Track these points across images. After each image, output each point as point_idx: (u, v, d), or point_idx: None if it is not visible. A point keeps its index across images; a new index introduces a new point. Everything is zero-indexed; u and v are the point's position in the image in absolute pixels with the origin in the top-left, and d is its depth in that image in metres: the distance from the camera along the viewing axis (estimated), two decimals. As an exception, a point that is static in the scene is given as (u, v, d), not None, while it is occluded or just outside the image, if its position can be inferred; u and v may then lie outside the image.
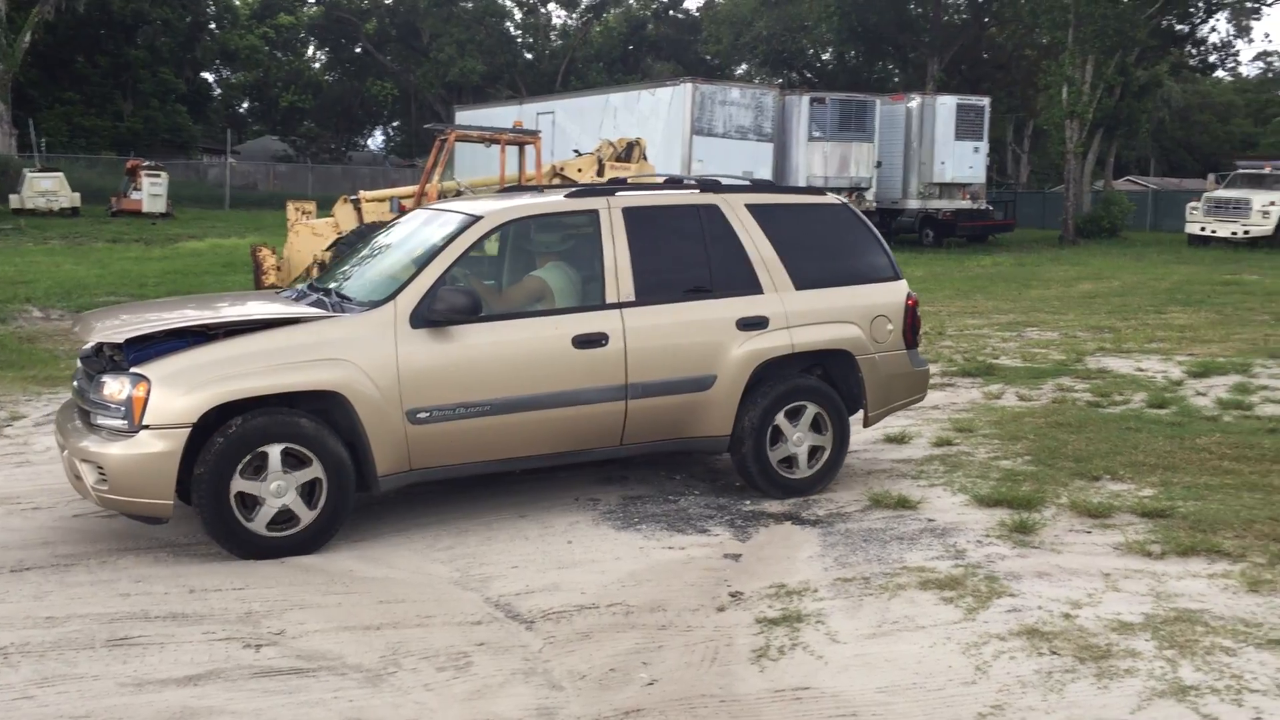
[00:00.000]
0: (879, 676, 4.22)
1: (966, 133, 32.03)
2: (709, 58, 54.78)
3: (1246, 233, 30.76)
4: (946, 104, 32.17)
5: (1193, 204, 33.41)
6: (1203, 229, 31.76)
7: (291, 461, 5.51)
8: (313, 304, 6.17)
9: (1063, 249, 32.75)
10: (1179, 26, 42.54)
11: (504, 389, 5.95)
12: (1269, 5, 45.48)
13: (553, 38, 58.73)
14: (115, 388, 5.39)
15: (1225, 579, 5.15)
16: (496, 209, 6.38)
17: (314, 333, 5.68)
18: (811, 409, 6.73)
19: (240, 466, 5.40)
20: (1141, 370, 10.85)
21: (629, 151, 15.99)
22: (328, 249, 14.16)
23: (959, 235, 33.45)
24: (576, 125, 29.47)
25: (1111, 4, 33.80)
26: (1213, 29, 49.94)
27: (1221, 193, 32.69)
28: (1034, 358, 11.84)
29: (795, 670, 4.29)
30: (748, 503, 6.60)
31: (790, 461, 6.73)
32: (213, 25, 52.66)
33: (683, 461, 7.50)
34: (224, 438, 5.36)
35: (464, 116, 34.49)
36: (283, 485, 5.50)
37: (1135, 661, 4.27)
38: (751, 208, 6.82)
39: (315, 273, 13.95)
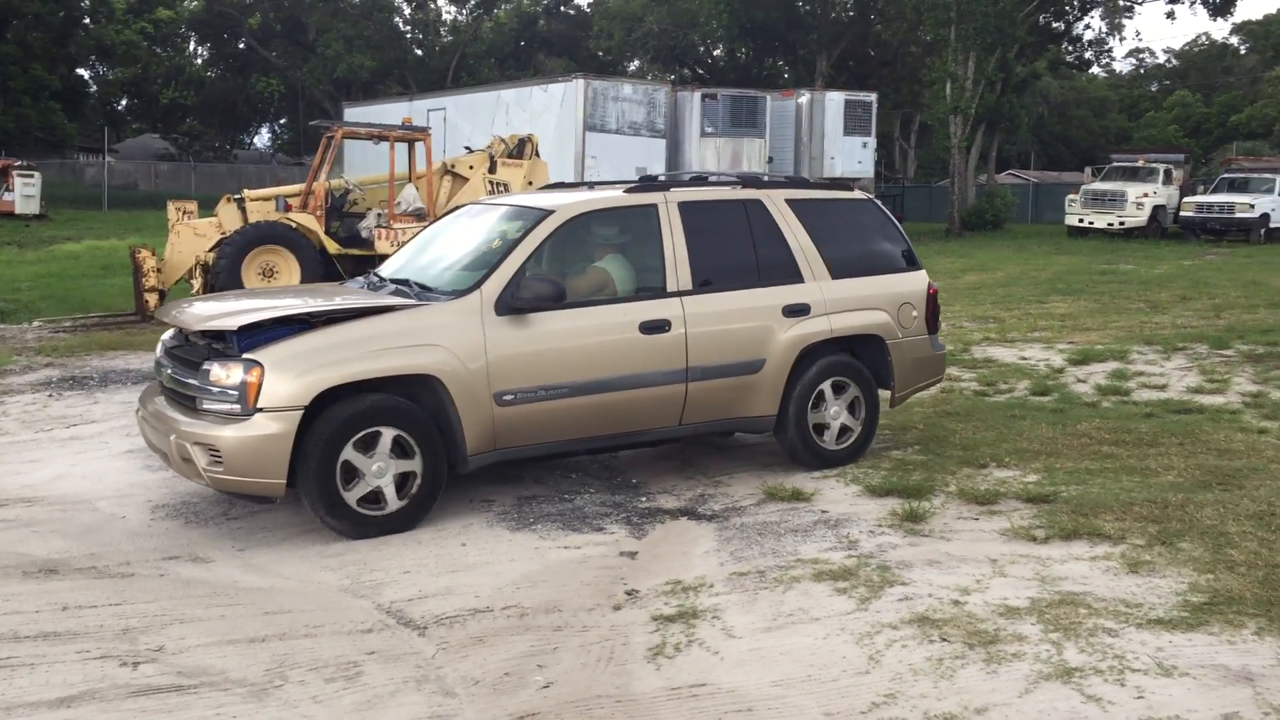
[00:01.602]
0: (774, 670, 4.22)
1: (855, 128, 32.55)
2: (601, 54, 54.78)
3: (1122, 223, 31.87)
4: (835, 100, 32.64)
5: (1071, 196, 34.49)
6: (1081, 220, 32.80)
7: (398, 450, 5.86)
8: (392, 294, 6.49)
9: (949, 241, 33.52)
10: (1055, 24, 43.87)
11: (579, 372, 6.35)
12: (1140, 4, 47.10)
13: (443, 33, 58.08)
14: (226, 373, 5.64)
15: (1106, 561, 5.29)
16: (566, 203, 6.74)
17: (408, 320, 6.06)
18: (851, 388, 7.27)
19: (355, 439, 5.72)
20: (1025, 359, 11.13)
21: (521, 148, 15.87)
22: (211, 249, 13.77)
23: (851, 229, 33.92)
24: (469, 122, 29.17)
25: (992, 2, 34.68)
26: (1087, 26, 51.58)
27: (1098, 185, 33.81)
28: (923, 348, 12.05)
29: (691, 667, 4.27)
30: (644, 500, 6.58)
31: (832, 436, 7.24)
32: (87, 20, 50.82)
33: (578, 460, 7.45)
34: (351, 409, 5.70)
35: (353, 113, 33.89)
36: (383, 468, 5.84)
37: (1022, 645, 4.35)
38: (791, 202, 7.32)
39: (199, 274, 13.57)
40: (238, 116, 59.96)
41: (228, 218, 14.25)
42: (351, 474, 5.78)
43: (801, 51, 47.99)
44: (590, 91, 27.62)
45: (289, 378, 5.60)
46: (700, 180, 7.60)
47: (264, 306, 6.15)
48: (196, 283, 13.14)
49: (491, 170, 15.42)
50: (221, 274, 13.54)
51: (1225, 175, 33.50)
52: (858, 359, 7.37)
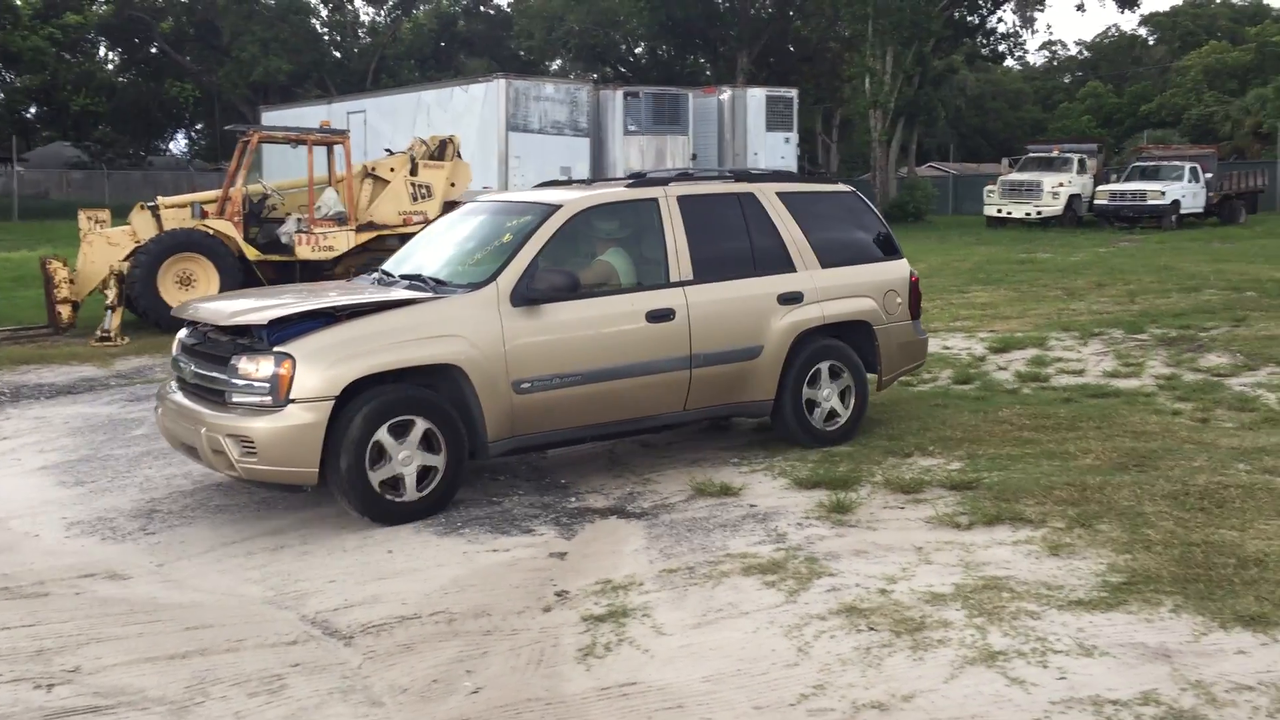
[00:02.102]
0: (705, 666, 4.23)
1: (777, 124, 32.80)
2: (523, 53, 54.52)
3: (1039, 213, 32.49)
4: (756, 96, 32.85)
5: (989, 187, 35.09)
6: (999, 211, 33.40)
7: (425, 444, 6.07)
8: (407, 288, 6.66)
9: (873, 234, 33.84)
10: (970, 18, 44.63)
11: (591, 360, 6.61)
12: (1050, -2, 48.12)
13: (361, 35, 57.38)
14: (257, 366, 5.82)
15: (1028, 545, 5.38)
16: (573, 198, 6.99)
17: (429, 312, 6.28)
18: (843, 373, 7.62)
19: (389, 424, 5.92)
20: (948, 348, 11.29)
21: (442, 149, 15.72)
22: (125, 258, 13.45)
23: (774, 224, 34.21)
24: (389, 124, 28.87)
25: (907, -3, 35.15)
26: (1000, 20, 52.48)
27: (1015, 176, 34.43)
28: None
29: (622, 666, 4.26)
30: (573, 500, 6.55)
31: (826, 417, 7.57)
32: (-9, 26, 49.34)
33: (506, 462, 7.40)
34: (374, 401, 5.90)
35: (271, 117, 33.38)
36: (409, 457, 6.04)
37: (947, 631, 4.40)
38: (781, 195, 7.65)
39: (114, 285, 13.24)
40: (152, 122, 58.60)
41: (142, 226, 13.92)
42: (379, 457, 5.96)
43: (722, 49, 48.25)
44: (512, 91, 27.48)
45: (320, 369, 5.81)
46: (685, 175, 7.85)
47: (287, 302, 6.32)
48: (111, 293, 12.81)
49: (413, 172, 15.27)
50: (137, 283, 13.23)
51: (1137, 164, 34.33)
52: (850, 344, 7.69)
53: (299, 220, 14.53)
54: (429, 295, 6.43)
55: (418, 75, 51.26)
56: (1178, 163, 33.12)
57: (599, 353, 6.64)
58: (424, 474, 6.11)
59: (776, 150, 33.14)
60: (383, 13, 57.45)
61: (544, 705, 3.98)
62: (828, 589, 4.92)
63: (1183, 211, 31.77)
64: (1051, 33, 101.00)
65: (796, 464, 7.05)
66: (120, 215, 14.90)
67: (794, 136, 33.79)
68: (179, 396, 6.41)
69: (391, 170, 15.36)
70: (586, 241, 7.13)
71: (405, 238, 15.31)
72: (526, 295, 6.43)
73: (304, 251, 14.38)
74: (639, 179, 7.52)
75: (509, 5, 56.89)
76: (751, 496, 6.45)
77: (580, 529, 6.02)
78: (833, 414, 7.58)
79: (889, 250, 8.08)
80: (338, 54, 55.83)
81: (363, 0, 57.02)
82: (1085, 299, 14.65)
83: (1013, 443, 7.32)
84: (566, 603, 4.94)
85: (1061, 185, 32.82)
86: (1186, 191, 32.00)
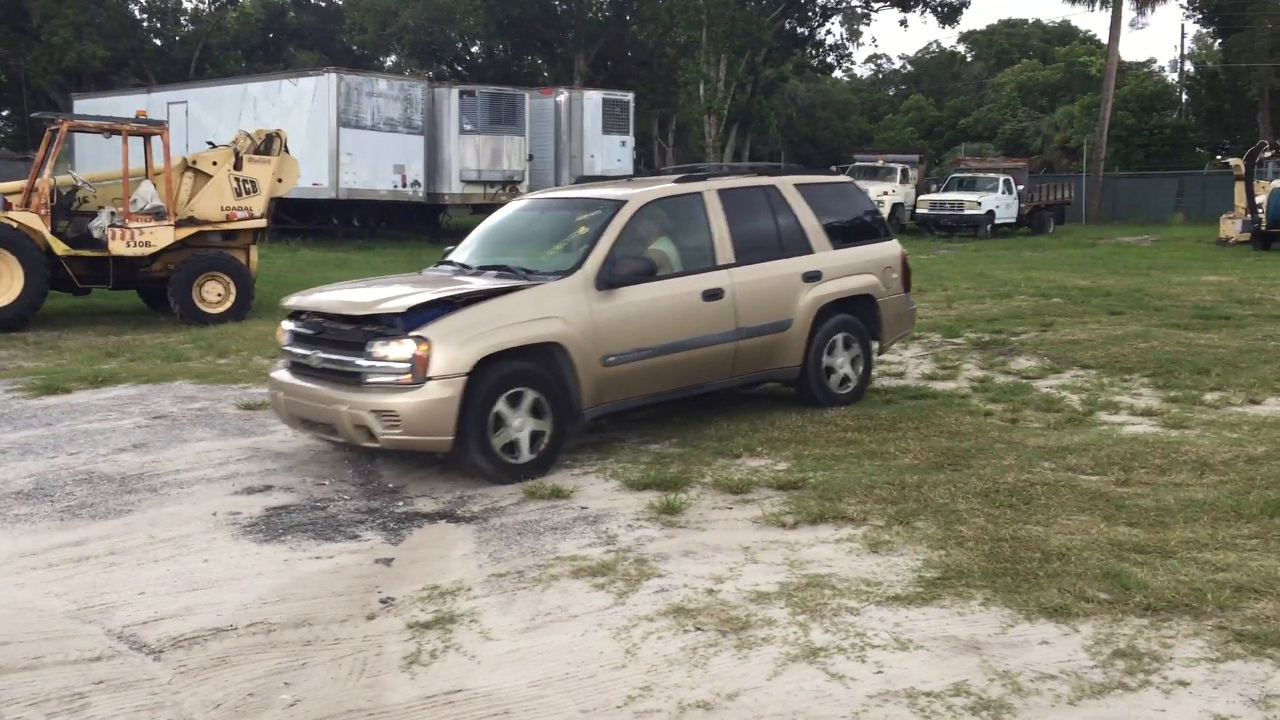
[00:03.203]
0: (532, 670, 4.19)
1: (613, 127, 32.99)
2: (355, 48, 53.29)
3: (865, 220, 33.54)
4: (593, 99, 32.98)
5: (819, 195, 35.95)
6: (829, 217, 34.34)
7: (534, 410, 6.85)
8: (496, 277, 7.41)
9: (706, 238, 34.36)
10: (800, 30, 45.81)
11: (660, 336, 7.51)
12: (875, 12, 49.81)
13: (184, 23, 55.04)
14: (396, 349, 6.52)
15: (850, 543, 5.52)
16: (636, 194, 7.85)
17: (531, 297, 7.05)
18: (855, 341, 8.69)
19: (506, 395, 6.71)
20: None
21: (269, 144, 15.20)
22: None
23: (611, 227, 34.38)
24: (213, 116, 27.83)
25: (739, 6, 35.83)
26: (828, 32, 54.06)
27: (843, 184, 35.41)
28: (680, 343, 12.31)
29: (447, 674, 4.18)
30: (401, 504, 6.42)
31: (840, 381, 8.65)
32: None
33: (332, 464, 7.20)
34: (494, 375, 6.66)
35: (84, 105, 31.79)
36: (522, 423, 6.83)
37: (771, 629, 4.48)
38: (797, 186, 8.70)
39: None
40: (-47, 108, 55.04)
41: (-61, 217, 13.04)
42: (498, 425, 6.73)
43: (559, 50, 48.25)
44: (344, 86, 26.87)
45: (452, 349, 6.55)
46: (719, 171, 8.98)
47: (402, 292, 6.99)
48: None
49: (237, 167, 14.72)
50: (-68, 278, 12.38)
51: (955, 175, 35.88)
52: (856, 315, 8.75)
53: (113, 214, 13.85)
54: (527, 282, 7.18)
55: (244, 66, 49.49)
56: (993, 175, 34.77)
57: (667, 329, 7.55)
58: (534, 438, 6.88)
59: (613, 153, 33.34)
60: (206, 0, 55.31)
61: (365, 716, 3.87)
62: (656, 590, 4.94)
63: (997, 221, 33.36)
64: (877, 46, 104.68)
65: (628, 466, 7.08)
66: (-88, 205, 13.90)
67: (630, 140, 34.07)
68: (300, 381, 7.07)
69: (214, 164, 14.78)
70: (646, 231, 7.85)
71: (229, 234, 14.85)
72: (609, 279, 7.27)
73: (118, 247, 13.72)
74: (684, 175, 8.53)
75: (341, -2, 55.52)
76: (583, 499, 6.45)
77: (408, 534, 5.90)
78: (845, 379, 8.69)
79: (883, 232, 9.30)
80: (158, 41, 53.41)
81: (185, -14, 54.61)
82: (907, 304, 15.16)
83: (837, 443, 7.52)
84: (392, 610, 4.83)
85: (886, 194, 34.00)
86: (1001, 202, 33.62)
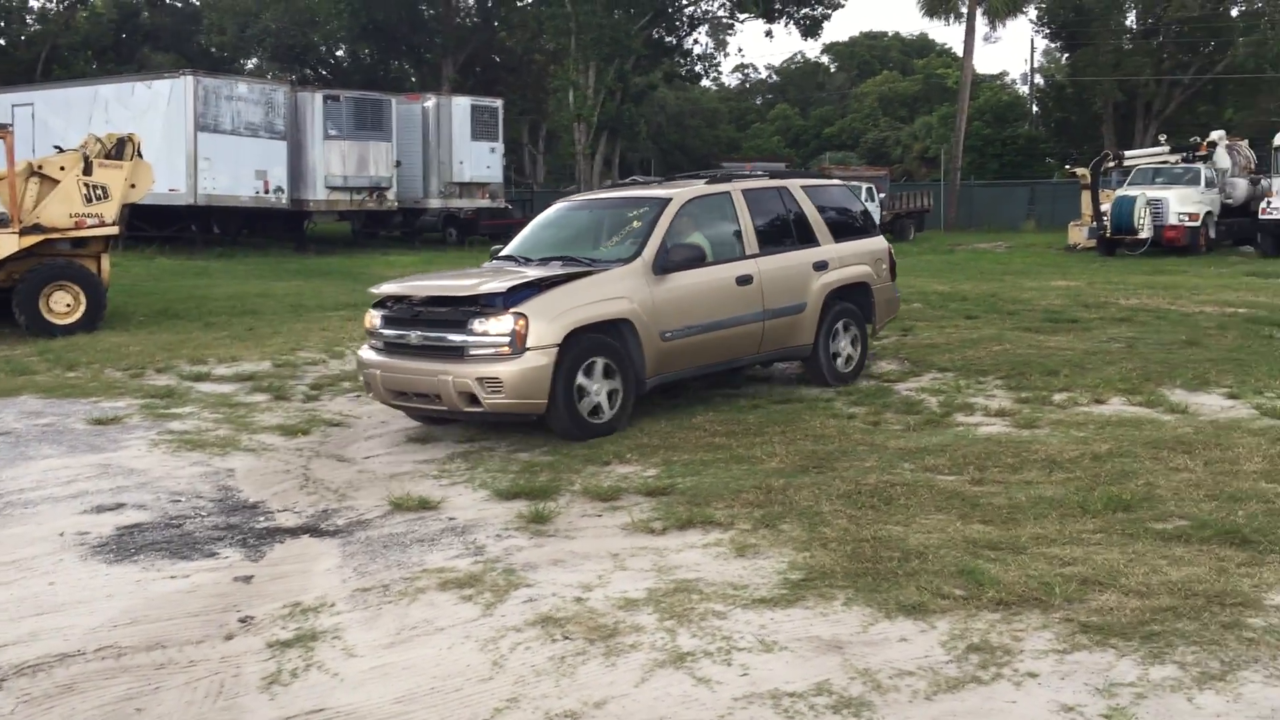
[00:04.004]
0: (397, 686, 4.12)
1: (482, 133, 32.79)
2: (214, 50, 51.77)
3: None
4: (461, 105, 32.73)
5: (688, 202, 36.36)
6: (698, 224, 34.74)
7: (606, 373, 7.98)
8: (563, 266, 8.40)
9: (577, 245, 34.34)
10: (668, 38, 46.22)
11: (705, 315, 8.68)
12: (741, 22, 50.60)
13: (30, 21, 52.70)
14: (497, 324, 7.60)
15: (718, 547, 5.58)
16: (677, 193, 9.03)
17: (606, 280, 8.18)
18: (853, 325, 9.92)
19: (586, 363, 7.85)
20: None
21: (121, 148, 14.64)
22: None
23: (482, 234, 34.17)
24: (61, 119, 26.71)
25: (607, 14, 35.99)
26: (696, 41, 54.70)
27: (711, 191, 35.87)
28: (551, 350, 12.29)
29: (309, 693, 4.08)
30: (262, 519, 6.26)
31: (845, 360, 9.90)
32: None
33: (188, 480, 6.98)
34: (578, 347, 7.78)
35: (-80, 106, 30.08)
36: (599, 387, 7.96)
37: (639, 636, 4.49)
38: (804, 187, 10.02)
39: None
40: None
41: None
42: (581, 393, 7.84)
43: (427, 55, 47.71)
44: (201, 89, 26.11)
45: (545, 324, 7.63)
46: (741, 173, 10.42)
47: (489, 279, 8.01)
48: None
49: (87, 172, 14.14)
50: None
51: (820, 183, 36.54)
52: (853, 303, 9.95)
53: (-50, 221, 13.17)
54: (596, 268, 8.27)
55: (95, 68, 47.64)
56: (856, 183, 35.57)
57: (709, 309, 8.70)
58: (610, 396, 8.01)
59: (482, 160, 33.14)
60: (54, -1, 53.04)
61: (223, 740, 3.76)
62: (525, 600, 4.92)
63: (861, 228, 34.10)
64: (743, 56, 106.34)
65: (498, 475, 7.04)
66: None
67: (500, 146, 33.91)
68: (398, 359, 8.04)
69: (62, 169, 14.17)
70: (686, 225, 8.92)
71: (78, 242, 14.25)
72: (664, 265, 8.42)
73: (-46, 254, 13.04)
74: (713, 177, 9.65)
75: (198, -2, 53.89)
76: (451, 510, 6.37)
77: (269, 550, 5.75)
78: (849, 358, 9.91)
79: (871, 229, 10.63)
80: (1, 41, 51.06)
81: (31, -17, 52.26)
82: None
83: (705, 449, 7.60)
84: (251, 629, 4.69)
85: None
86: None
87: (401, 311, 8.17)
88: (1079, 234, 28.65)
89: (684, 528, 5.89)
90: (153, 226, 25.97)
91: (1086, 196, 28.41)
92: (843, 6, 58.84)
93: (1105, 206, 26.46)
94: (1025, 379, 9.78)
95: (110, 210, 14.27)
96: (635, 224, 8.89)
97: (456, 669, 4.25)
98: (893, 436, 7.90)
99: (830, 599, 4.82)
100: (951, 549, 5.33)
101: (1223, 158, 27.85)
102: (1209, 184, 27.18)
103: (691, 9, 46.08)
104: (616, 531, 5.91)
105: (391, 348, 8.17)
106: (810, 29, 44.12)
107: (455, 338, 7.74)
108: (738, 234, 9.18)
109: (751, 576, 5.13)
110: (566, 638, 4.49)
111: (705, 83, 64.65)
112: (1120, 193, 26.86)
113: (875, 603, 4.74)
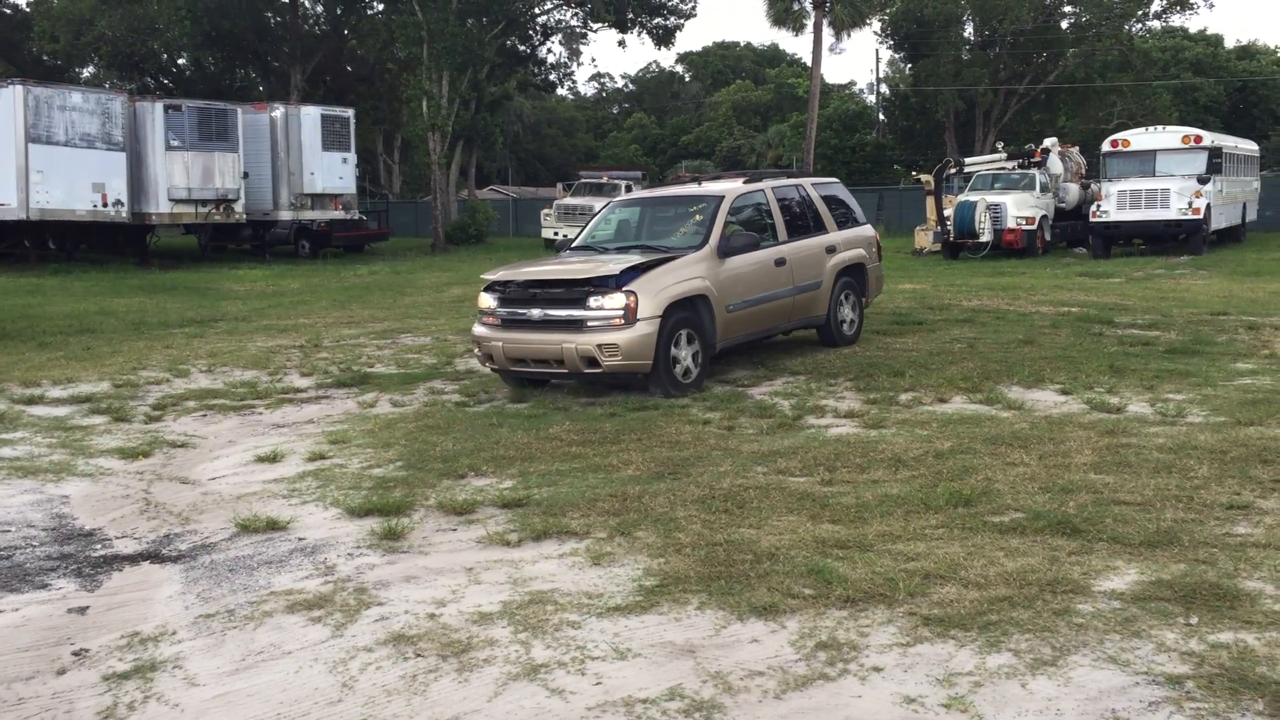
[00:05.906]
0: (240, 714, 3.99)
1: (334, 143, 32.17)
2: (46, 58, 49.48)
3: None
4: (311, 114, 32.06)
5: (546, 211, 36.46)
6: (556, 233, 34.80)
7: (690, 338, 9.80)
8: (640, 253, 10.20)
9: (434, 256, 34.09)
10: (521, 47, 46.10)
11: (755, 291, 10.66)
12: (594, 31, 50.83)
13: None
14: (611, 301, 9.32)
15: (573, 557, 5.57)
16: (727, 189, 11.14)
17: (685, 263, 9.96)
18: (853, 295, 12.25)
19: (677, 332, 9.65)
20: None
21: (-58, 161, 13.88)
22: None
23: (335, 245, 33.51)
24: (-124, 130, 25.17)
25: (459, 24, 35.69)
26: (550, 50, 54.73)
27: (569, 200, 36.04)
28: (407, 364, 12.14)
29: (147, 726, 3.93)
30: (98, 547, 6.00)
31: (848, 324, 12.22)
32: None
33: (18, 509, 6.64)
34: (679, 311, 9.65)
35: None
36: (686, 353, 9.79)
37: (493, 650, 4.45)
38: (813, 184, 12.29)
39: None
40: None
41: None
42: (675, 360, 9.69)
43: (275, 64, 46.51)
44: (31, 99, 24.97)
45: (650, 299, 9.39)
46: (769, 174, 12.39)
47: (593, 264, 9.78)
48: None
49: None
50: None
51: (677, 191, 36.99)
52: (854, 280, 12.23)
53: None
54: (676, 254, 10.06)
55: (-85, 76, 44.97)
56: (616, 181, 36.31)
57: (758, 285, 10.68)
58: (693, 358, 9.83)
59: (334, 170, 32.51)
60: None
61: (53, 781, 3.58)
62: (376, 619, 4.83)
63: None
64: (597, 66, 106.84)
65: (350, 492, 6.90)
66: None
67: (352, 156, 33.34)
68: (518, 333, 9.69)
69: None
70: (735, 217, 10.87)
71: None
72: (726, 250, 10.33)
73: None
74: (750, 177, 11.75)
75: (28, 5, 51.40)
76: (301, 529, 6.22)
77: (106, 579, 5.51)
78: (851, 322, 12.19)
79: (861, 219, 12.84)
80: None
81: None
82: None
83: (561, 458, 7.59)
84: (85, 662, 4.49)
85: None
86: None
87: (516, 292, 9.80)
88: (924, 238, 29.63)
89: (540, 539, 5.87)
90: (-19, 243, 24.70)
91: (931, 202, 29.38)
92: (694, 16, 59.60)
93: (948, 212, 27.43)
94: (873, 380, 10.06)
95: (-69, 226, 13.51)
96: (698, 217, 10.71)
97: (304, 693, 4.15)
98: (746, 440, 8.02)
99: (684, 604, 4.86)
100: (802, 549, 5.44)
101: (1056, 164, 29.18)
102: (1044, 189, 28.44)
103: (544, 18, 46.08)
104: (471, 545, 5.85)
105: (508, 323, 9.75)
106: (663, 38, 44.58)
107: (576, 312, 9.42)
108: (771, 225, 11.24)
109: (606, 585, 5.15)
110: (419, 655, 4.43)
111: (561, 92, 64.78)
112: (961, 198, 27.90)
113: (728, 605, 4.80)
